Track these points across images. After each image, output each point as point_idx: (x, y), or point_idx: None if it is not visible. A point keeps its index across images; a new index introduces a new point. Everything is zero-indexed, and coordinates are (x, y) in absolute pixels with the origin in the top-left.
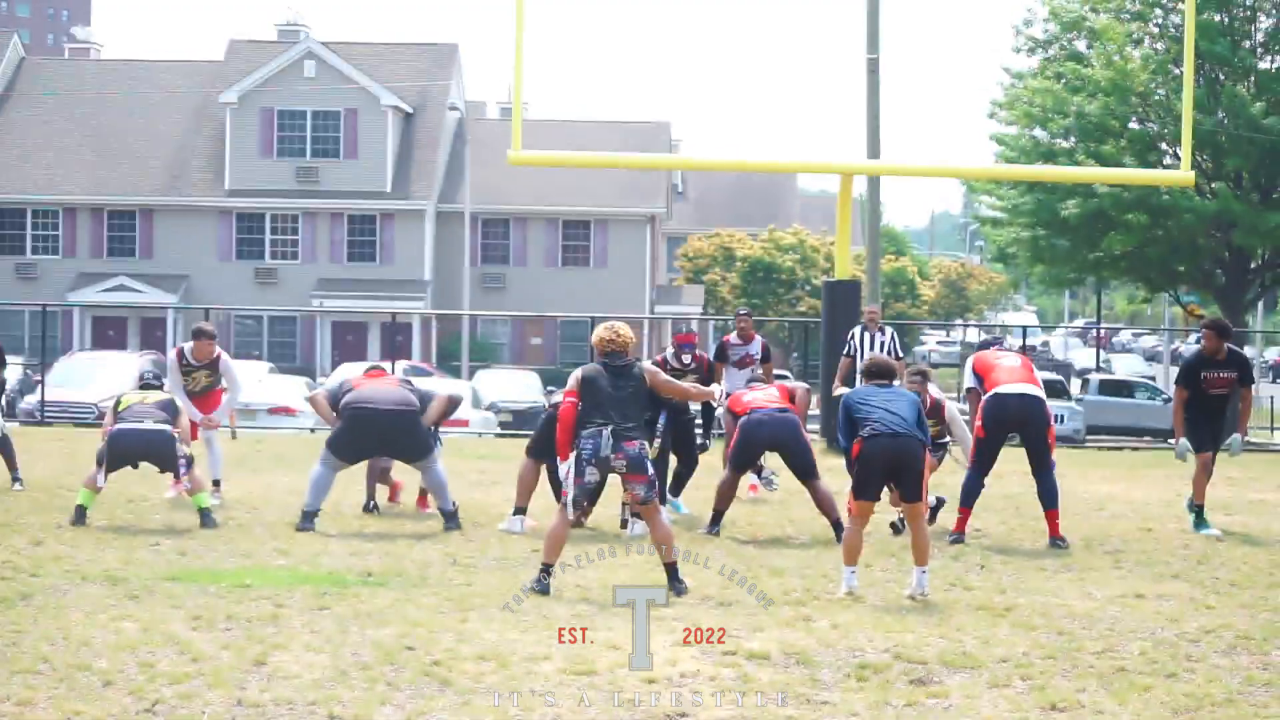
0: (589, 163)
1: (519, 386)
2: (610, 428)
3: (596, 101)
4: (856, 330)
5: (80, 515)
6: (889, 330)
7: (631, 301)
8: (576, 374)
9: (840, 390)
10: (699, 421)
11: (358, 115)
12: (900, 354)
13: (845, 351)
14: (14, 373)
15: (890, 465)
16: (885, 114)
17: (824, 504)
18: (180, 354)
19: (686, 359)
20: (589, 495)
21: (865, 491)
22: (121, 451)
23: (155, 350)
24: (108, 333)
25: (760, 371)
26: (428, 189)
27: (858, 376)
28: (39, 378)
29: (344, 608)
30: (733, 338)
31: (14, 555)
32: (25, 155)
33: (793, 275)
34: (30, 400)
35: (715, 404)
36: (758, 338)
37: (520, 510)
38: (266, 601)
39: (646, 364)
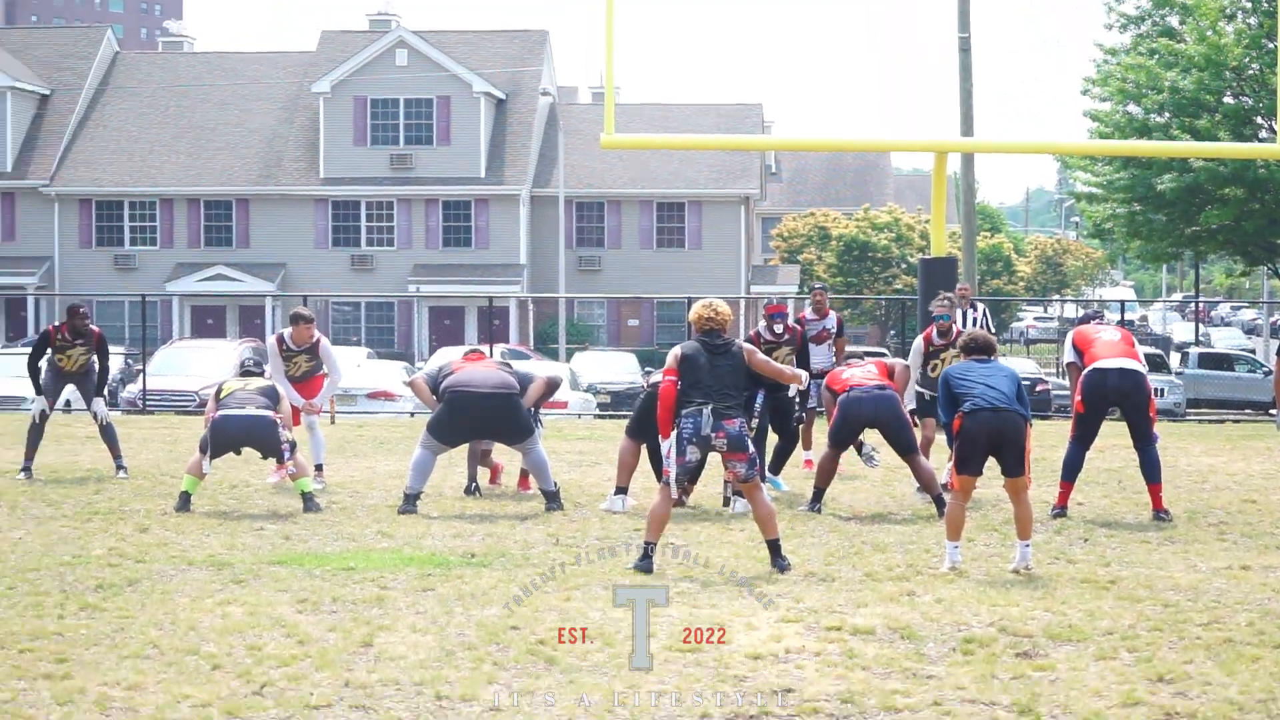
0: (682, 145)
1: (616, 368)
2: (710, 406)
3: (688, 84)
4: None
5: (185, 501)
6: (981, 306)
7: (727, 282)
8: (675, 351)
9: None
10: (796, 398)
11: (450, 102)
12: (993, 329)
13: None
14: (116, 362)
15: (992, 439)
16: (978, 91)
17: (925, 480)
18: (280, 340)
19: (779, 329)
20: (690, 474)
21: (967, 466)
22: (225, 438)
23: (254, 338)
24: (206, 321)
25: (835, 345)
26: (521, 174)
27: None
28: (140, 367)
29: (448, 589)
30: (808, 313)
31: (120, 542)
32: (122, 148)
33: (888, 253)
34: (132, 389)
35: (801, 386)
36: (832, 312)
37: (622, 490)
38: (371, 584)
39: (744, 343)
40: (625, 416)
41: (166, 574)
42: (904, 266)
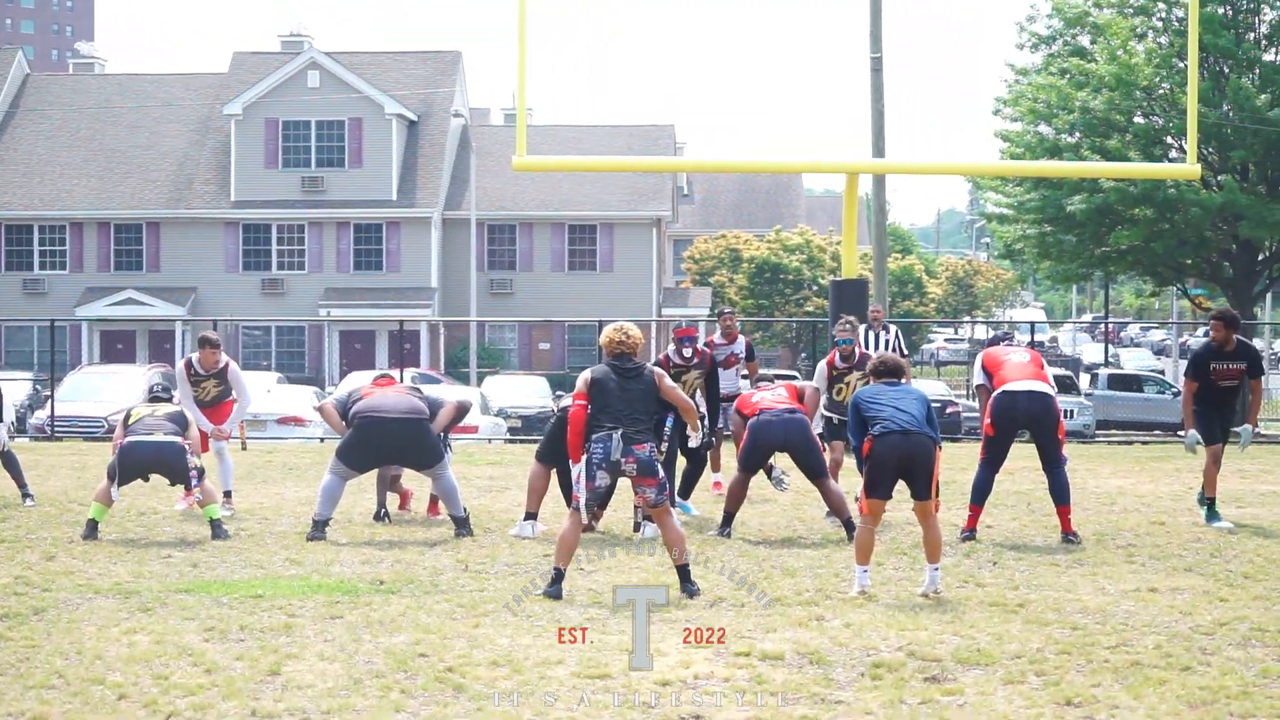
0: (594, 167)
1: (527, 392)
2: (620, 431)
3: (600, 106)
4: (862, 329)
5: (92, 529)
6: (893, 328)
7: (639, 304)
8: (585, 376)
9: None
10: (704, 422)
11: (362, 124)
12: (905, 352)
13: None
14: (23, 388)
15: (902, 462)
16: (889, 112)
17: (834, 504)
18: (189, 365)
19: (688, 353)
20: (600, 499)
21: (877, 490)
22: (132, 464)
23: (164, 363)
24: (116, 346)
25: (745, 370)
26: (433, 196)
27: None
28: (48, 393)
29: (356, 616)
30: (717, 337)
31: (26, 570)
32: (31, 172)
33: (799, 275)
34: (40, 415)
35: (696, 439)
36: (741, 337)
37: (531, 515)
38: (279, 611)
39: (655, 368)
40: (536, 441)
41: (73, 602)
42: (815, 288)
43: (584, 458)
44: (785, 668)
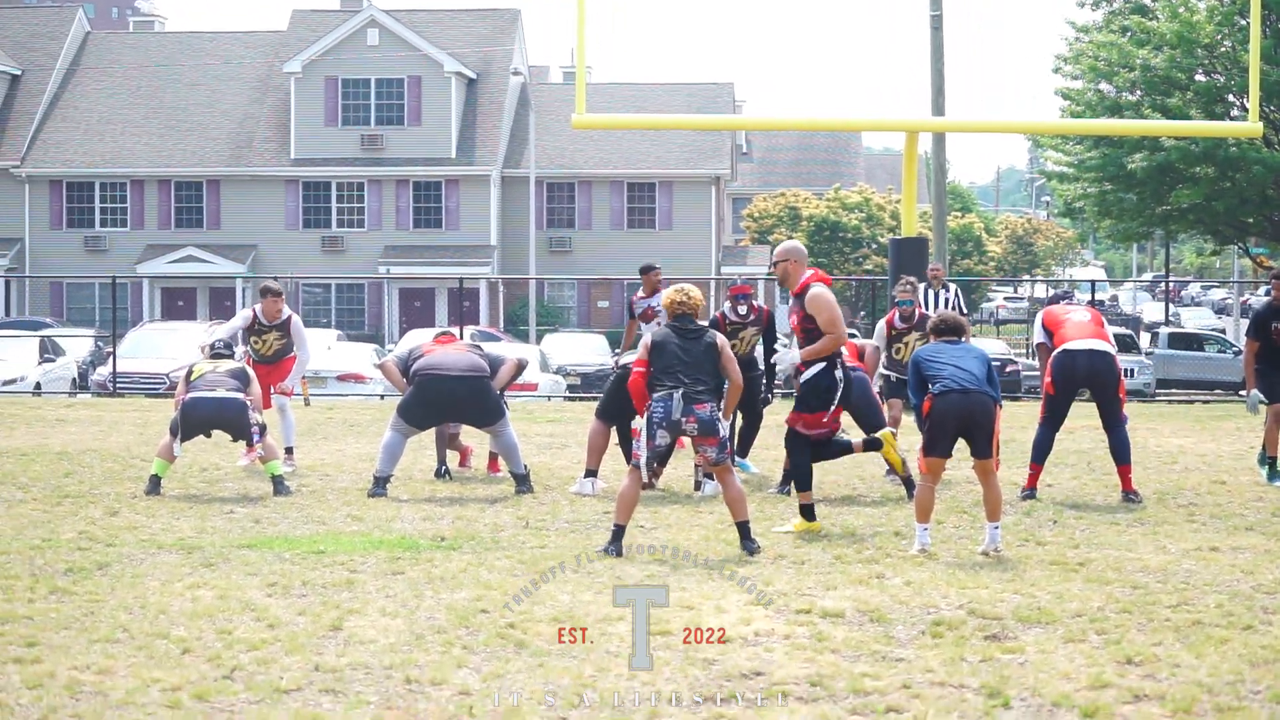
0: (653, 125)
1: (586, 349)
2: (681, 390)
3: (659, 63)
4: (921, 287)
5: (155, 485)
6: (953, 287)
7: (697, 263)
8: (646, 339)
9: None
10: (764, 380)
11: (421, 82)
12: (965, 310)
13: None
14: (85, 345)
15: (962, 421)
16: (949, 70)
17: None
18: (253, 316)
19: (743, 310)
20: (660, 457)
21: (936, 448)
22: (195, 420)
23: (224, 320)
24: (177, 303)
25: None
26: (492, 154)
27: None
28: (110, 349)
29: (418, 572)
30: (641, 292)
31: (90, 525)
32: (93, 129)
33: (859, 233)
34: (102, 372)
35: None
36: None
37: (592, 473)
38: (341, 567)
39: (719, 335)
40: (595, 398)
41: (136, 558)
42: (874, 247)
43: (645, 416)
44: (846, 625)
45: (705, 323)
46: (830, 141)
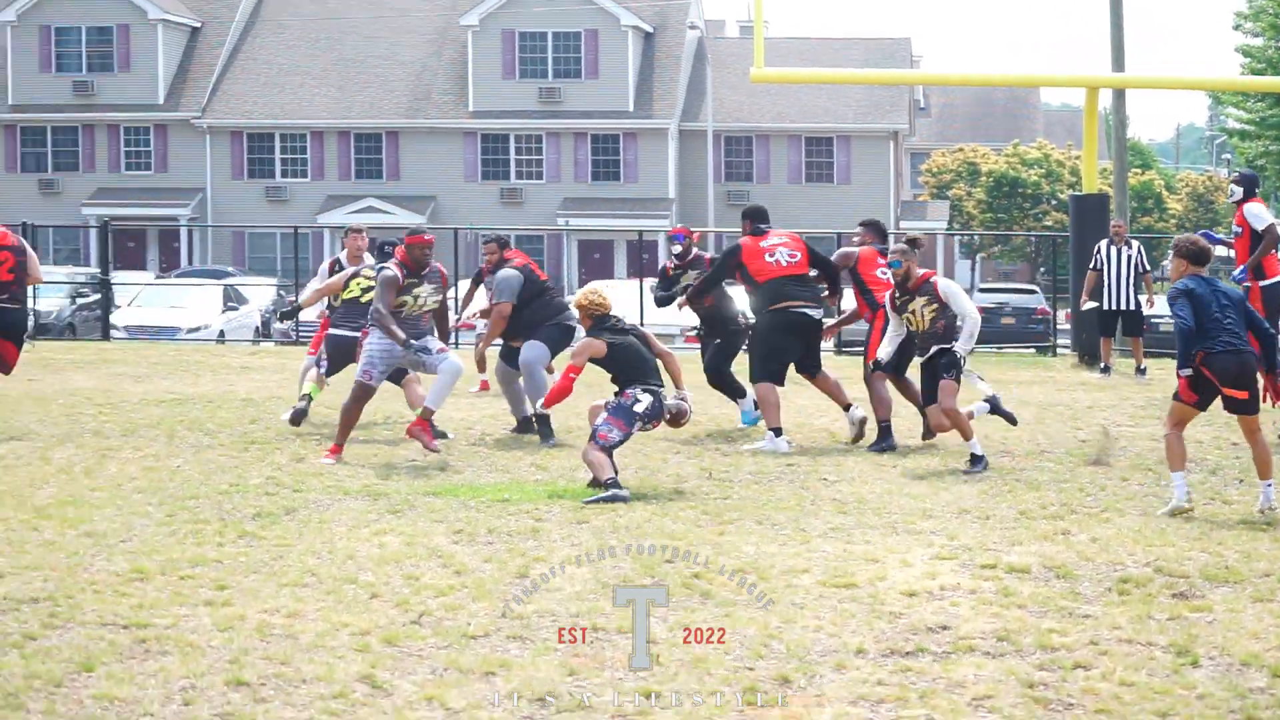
0: (831, 79)
1: None
2: (660, 389)
3: (836, 17)
4: (1103, 244)
5: (300, 416)
6: (1135, 244)
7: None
8: (591, 346)
9: (1089, 304)
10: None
11: (598, 35)
12: (1147, 268)
13: (1092, 266)
14: (267, 293)
15: (1232, 382)
16: (1129, 25)
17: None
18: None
19: (677, 249)
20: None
21: (1198, 403)
22: (343, 355)
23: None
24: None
25: None
26: (669, 108)
27: (1105, 290)
28: (293, 298)
29: (602, 521)
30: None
31: (277, 471)
32: (272, 81)
33: (1038, 190)
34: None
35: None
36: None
37: (776, 430)
38: (526, 516)
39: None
40: None
41: (323, 503)
42: (1054, 203)
43: (628, 409)
44: (1032, 581)
45: (654, 280)
46: (1008, 97)
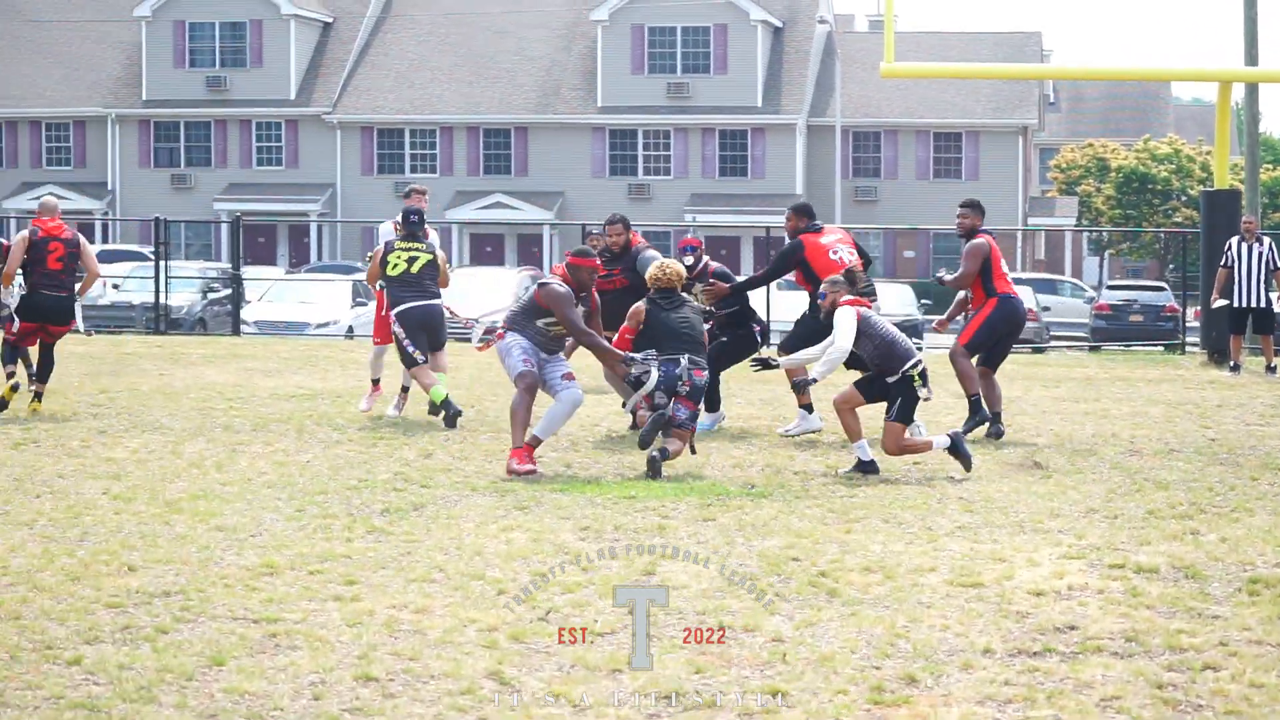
0: (961, 74)
1: (893, 300)
2: (686, 357)
3: (966, 11)
4: (1234, 241)
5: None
6: (1267, 240)
7: (1004, 214)
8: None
9: (1219, 301)
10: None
11: (727, 30)
12: (1278, 265)
13: (1223, 263)
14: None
15: None
16: (1263, 19)
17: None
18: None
19: (688, 260)
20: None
21: None
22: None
23: (533, 266)
24: (485, 249)
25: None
26: (798, 103)
27: (1236, 287)
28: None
29: (728, 519)
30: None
31: (405, 467)
32: (401, 76)
33: (1168, 186)
34: None
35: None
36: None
37: (808, 407)
38: (652, 513)
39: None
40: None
41: (450, 499)
42: (1185, 199)
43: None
44: (1160, 581)
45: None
46: (1139, 91)
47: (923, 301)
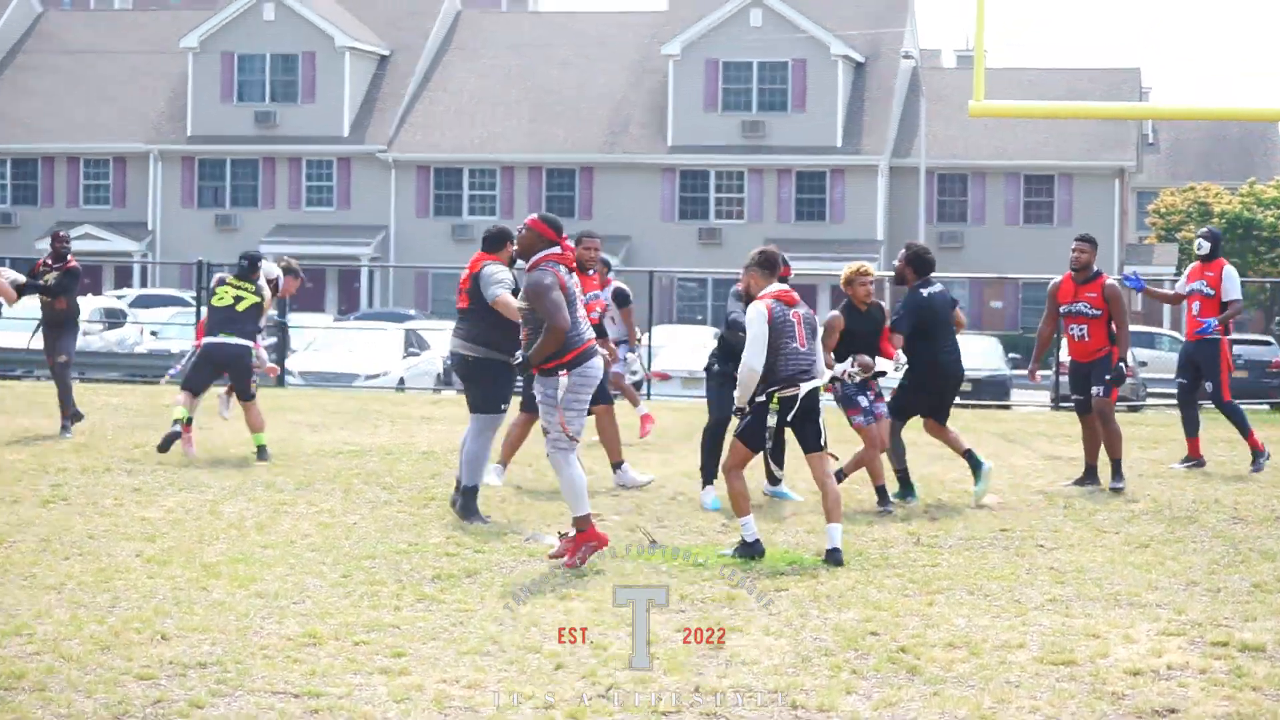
0: (1055, 113)
1: (977, 353)
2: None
3: (1058, 47)
4: None
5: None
6: None
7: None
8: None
9: None
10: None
11: (806, 66)
12: None
13: None
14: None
15: None
16: None
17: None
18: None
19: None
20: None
21: None
22: None
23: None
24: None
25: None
26: (880, 142)
27: None
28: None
29: (802, 589)
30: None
31: (458, 530)
32: (463, 112)
33: (1274, 232)
34: None
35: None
36: (614, 281)
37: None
38: (721, 581)
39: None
40: (987, 406)
41: (506, 565)
42: None
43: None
44: (1267, 660)
45: None
46: (1243, 132)
47: (1010, 355)
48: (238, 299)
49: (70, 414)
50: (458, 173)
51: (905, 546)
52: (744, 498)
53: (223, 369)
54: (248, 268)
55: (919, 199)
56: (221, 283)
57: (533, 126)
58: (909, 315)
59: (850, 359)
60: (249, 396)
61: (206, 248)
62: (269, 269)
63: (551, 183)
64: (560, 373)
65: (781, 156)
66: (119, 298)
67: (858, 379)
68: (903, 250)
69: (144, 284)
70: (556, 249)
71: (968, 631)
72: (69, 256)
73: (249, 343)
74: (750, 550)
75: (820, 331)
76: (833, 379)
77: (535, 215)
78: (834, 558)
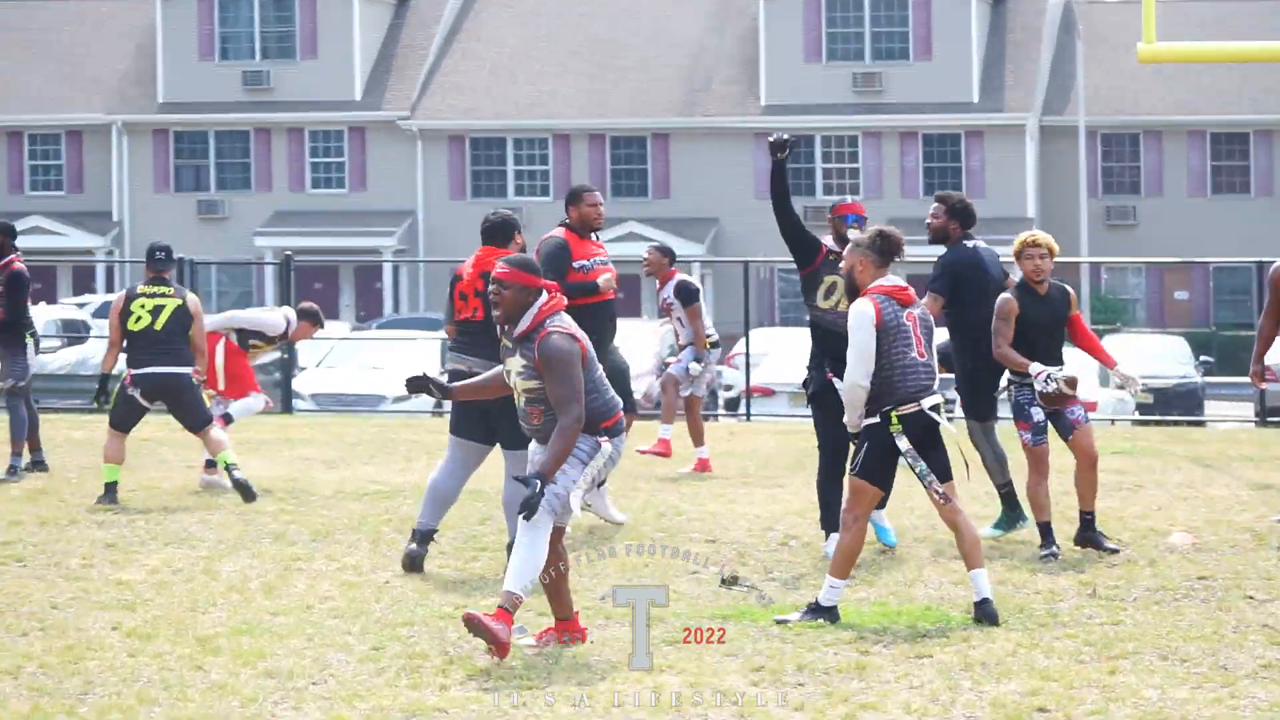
0: (1244, 55)
1: (1159, 355)
2: None
3: None
4: None
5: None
6: None
7: None
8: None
9: None
10: None
11: (931, 5)
12: None
13: None
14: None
15: None
16: None
17: None
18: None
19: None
20: None
21: None
22: None
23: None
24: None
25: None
26: (1027, 97)
27: None
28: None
29: (949, 655)
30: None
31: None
32: (500, 69)
33: None
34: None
35: None
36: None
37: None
38: (848, 647)
39: None
40: (1177, 422)
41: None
42: None
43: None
44: None
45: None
46: None
47: (1202, 358)
48: (155, 311)
49: (35, 459)
50: (499, 144)
51: (1078, 600)
52: (852, 557)
53: (156, 400)
54: (162, 260)
55: (1078, 166)
56: (133, 296)
57: (591, 86)
58: (948, 273)
59: (1057, 367)
60: (204, 424)
61: (187, 242)
62: (285, 311)
63: (616, 154)
64: (601, 438)
65: (904, 116)
66: (79, 306)
67: (1057, 390)
68: (937, 203)
69: (110, 288)
70: (547, 297)
71: (1161, 706)
72: (12, 255)
73: (183, 369)
74: (825, 615)
75: (934, 333)
76: (1009, 383)
77: (502, 261)
78: (986, 611)
